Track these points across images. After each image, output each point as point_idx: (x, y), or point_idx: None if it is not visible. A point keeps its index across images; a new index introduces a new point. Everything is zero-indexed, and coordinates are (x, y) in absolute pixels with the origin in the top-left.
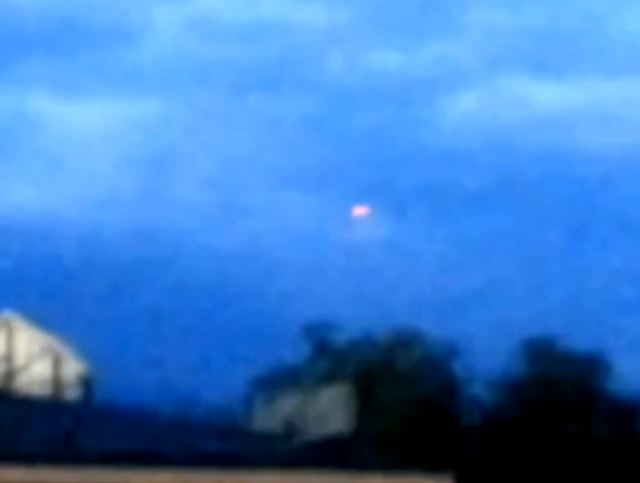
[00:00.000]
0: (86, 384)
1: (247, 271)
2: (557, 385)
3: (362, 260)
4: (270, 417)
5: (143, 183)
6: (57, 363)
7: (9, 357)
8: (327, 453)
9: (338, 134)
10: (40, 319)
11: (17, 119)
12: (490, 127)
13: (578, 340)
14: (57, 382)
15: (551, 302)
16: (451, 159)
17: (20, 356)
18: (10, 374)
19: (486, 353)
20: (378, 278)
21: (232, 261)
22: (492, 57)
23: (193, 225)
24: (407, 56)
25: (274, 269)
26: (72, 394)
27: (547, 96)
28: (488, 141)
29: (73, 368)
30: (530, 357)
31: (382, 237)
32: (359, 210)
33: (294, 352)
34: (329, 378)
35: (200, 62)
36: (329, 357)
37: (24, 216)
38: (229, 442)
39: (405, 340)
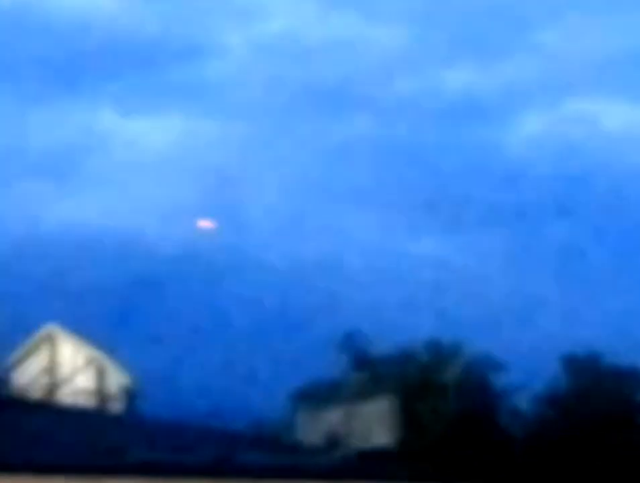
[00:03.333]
0: (130, 395)
1: (292, 284)
2: (599, 400)
3: (409, 273)
4: (312, 430)
5: (206, 199)
6: (100, 375)
7: (52, 370)
8: (370, 465)
9: (404, 152)
10: (84, 332)
11: (84, 135)
12: (557, 148)
13: (621, 355)
14: (100, 394)
15: (594, 317)
16: (517, 179)
17: (64, 368)
18: (54, 386)
19: (528, 368)
20: (421, 290)
21: (277, 275)
22: (559, 77)
23: (247, 240)
24: (475, 76)
25: (321, 283)
26: (116, 405)
27: (615, 118)
28: (553, 160)
29: (116, 380)
30: (573, 371)
31: (433, 251)
32: (204, 223)
33: (333, 364)
34: (369, 391)
35: (271, 81)
36: (368, 370)
37: (86, 231)
38: (273, 454)
39: (446, 353)
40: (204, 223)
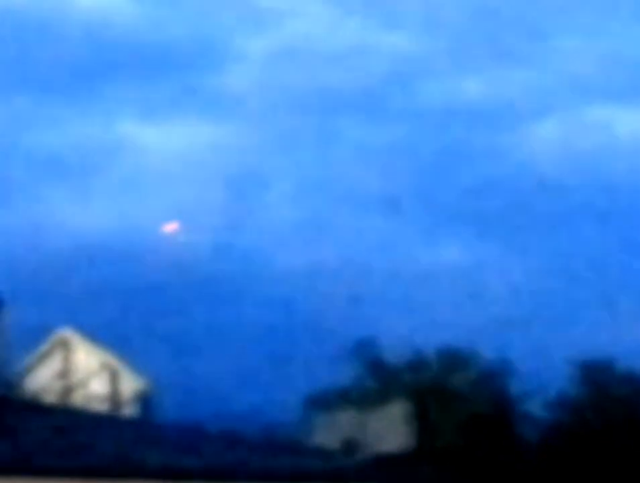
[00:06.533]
0: (144, 400)
1: (307, 290)
2: (612, 405)
3: (424, 279)
4: (327, 435)
5: (227, 205)
6: (114, 379)
7: (66, 374)
8: (386, 470)
9: (422, 159)
10: (98, 336)
11: (103, 142)
12: (574, 154)
13: (635, 360)
14: (114, 398)
15: (608, 322)
16: (534, 185)
17: (78, 373)
18: (68, 390)
19: (541, 373)
20: (435, 296)
21: (293, 280)
22: (576, 84)
23: (267, 245)
24: (494, 83)
25: (337, 288)
26: (130, 410)
27: (631, 124)
28: (571, 167)
29: (130, 385)
30: (586, 376)
31: (448, 257)
32: (170, 227)
33: (347, 370)
34: (383, 397)
35: (288, 87)
36: (381, 376)
37: (102, 236)
38: (287, 458)
39: (459, 358)
40: (170, 226)
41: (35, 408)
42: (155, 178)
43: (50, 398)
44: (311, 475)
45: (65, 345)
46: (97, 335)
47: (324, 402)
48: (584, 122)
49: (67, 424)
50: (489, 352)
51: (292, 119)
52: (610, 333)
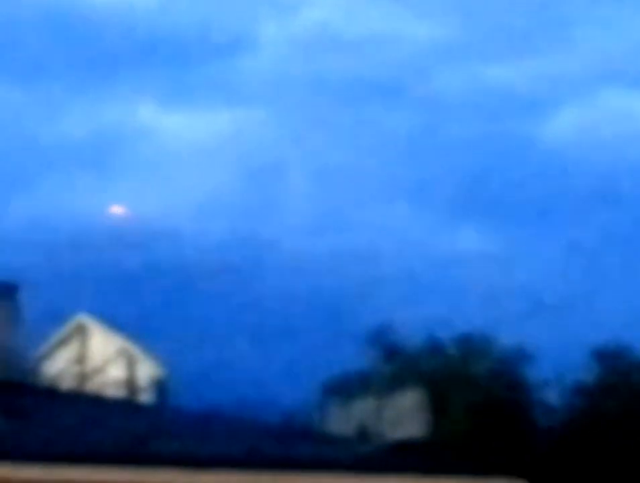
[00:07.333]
0: (160, 386)
1: (323, 276)
2: (629, 392)
3: (441, 266)
4: (343, 421)
5: (248, 192)
6: (131, 365)
7: (83, 360)
8: (401, 457)
9: (443, 147)
10: (115, 322)
11: (125, 129)
12: (592, 142)
13: None
14: (131, 385)
15: (625, 308)
16: (554, 172)
17: (95, 359)
18: (84, 376)
19: (558, 360)
20: (452, 283)
21: (309, 266)
22: (595, 72)
23: (286, 233)
24: (513, 71)
25: (354, 275)
26: (146, 396)
27: None
28: (590, 155)
29: (147, 371)
30: (603, 364)
31: (465, 244)
32: (115, 209)
33: (363, 357)
34: (399, 383)
35: (309, 74)
36: (398, 362)
37: (116, 221)
38: (303, 445)
39: (477, 345)
40: (116, 209)
41: (51, 394)
42: (176, 165)
43: (67, 384)
44: (328, 462)
45: (82, 331)
46: (115, 321)
47: (341, 388)
48: (603, 110)
49: (84, 410)
50: (507, 339)
51: (313, 107)
52: (628, 319)
